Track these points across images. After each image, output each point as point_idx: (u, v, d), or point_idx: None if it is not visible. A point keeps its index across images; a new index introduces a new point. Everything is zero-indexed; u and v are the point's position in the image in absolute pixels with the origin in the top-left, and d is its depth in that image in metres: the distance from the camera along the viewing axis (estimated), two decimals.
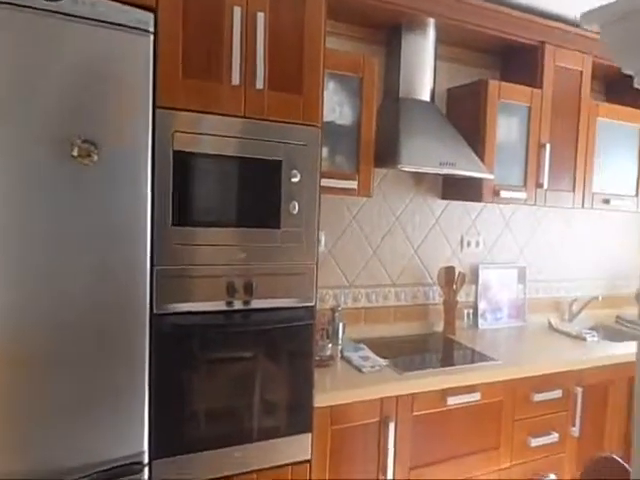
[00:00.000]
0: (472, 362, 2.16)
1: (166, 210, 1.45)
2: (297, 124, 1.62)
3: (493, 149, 2.35)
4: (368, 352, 2.15)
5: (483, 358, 2.20)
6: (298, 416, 1.70)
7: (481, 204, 2.75)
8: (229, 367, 1.59)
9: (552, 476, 2.31)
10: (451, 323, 2.57)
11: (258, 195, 1.60)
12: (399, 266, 2.58)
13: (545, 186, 2.49)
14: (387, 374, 1.96)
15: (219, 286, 1.54)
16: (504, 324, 2.82)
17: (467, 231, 2.75)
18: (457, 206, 2.70)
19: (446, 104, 2.55)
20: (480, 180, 2.32)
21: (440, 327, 2.61)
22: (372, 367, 1.99)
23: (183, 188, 1.47)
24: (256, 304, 1.59)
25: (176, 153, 1.45)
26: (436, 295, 2.66)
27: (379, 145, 2.06)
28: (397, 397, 1.90)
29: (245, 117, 1.55)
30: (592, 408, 2.40)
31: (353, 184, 2.02)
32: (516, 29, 2.39)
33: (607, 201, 2.76)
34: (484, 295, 2.77)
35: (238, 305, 1.57)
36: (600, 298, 3.05)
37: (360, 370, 1.97)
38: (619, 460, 1.25)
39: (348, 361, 2.06)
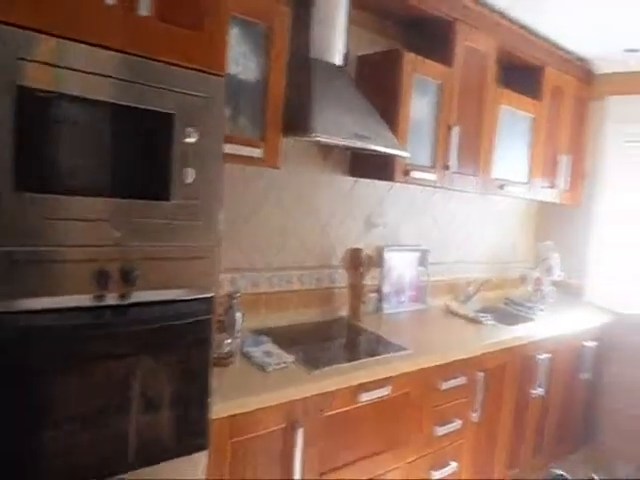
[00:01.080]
0: (384, 353, 1.95)
1: (3, 169, 1.01)
2: (195, 70, 1.24)
3: (407, 126, 2.16)
4: (271, 346, 1.85)
5: (395, 348, 2.01)
6: (191, 432, 1.34)
7: (389, 184, 2.57)
8: (98, 379, 1.19)
9: (453, 464, 2.23)
10: (357, 308, 2.36)
11: (140, 157, 1.21)
12: (303, 247, 2.30)
13: (452, 169, 2.38)
14: (294, 373, 1.68)
15: (85, 275, 1.12)
16: (406, 308, 2.69)
17: (374, 211, 2.56)
18: (365, 184, 2.49)
19: (356, 72, 2.30)
20: (392, 158, 2.12)
21: (345, 312, 2.39)
22: (277, 365, 1.69)
23: (32, 140, 1.04)
24: (137, 297, 1.20)
25: (22, 90, 1.02)
26: (341, 278, 2.44)
27: (287, 110, 1.75)
28: (306, 399, 1.63)
29: (124, 52, 1.13)
30: (490, 392, 2.35)
31: (258, 152, 1.69)
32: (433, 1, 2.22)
33: (502, 187, 2.75)
34: (388, 278, 2.62)
35: (112, 299, 1.17)
36: (494, 280, 3.07)
37: (264, 369, 1.67)
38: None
39: (249, 358, 1.74)
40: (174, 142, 1.22)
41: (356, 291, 2.36)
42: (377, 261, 2.54)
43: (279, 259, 2.22)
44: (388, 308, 2.60)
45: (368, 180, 2.46)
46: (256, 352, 1.78)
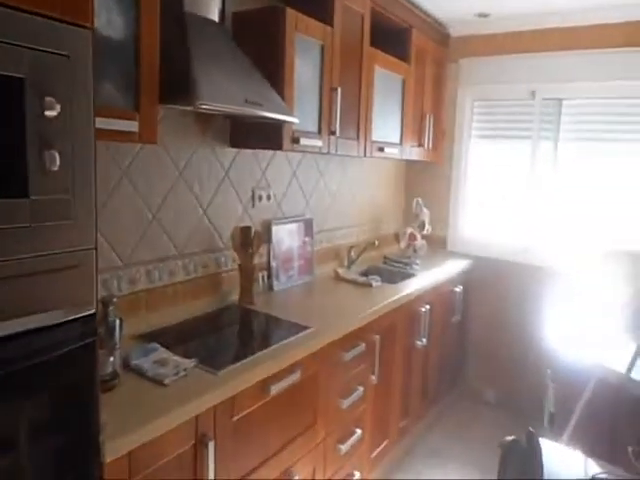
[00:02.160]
0: (289, 336, 1.81)
1: None
2: (53, 19, 0.91)
3: (293, 90, 1.96)
4: (163, 352, 1.58)
5: (298, 329, 1.88)
6: None
7: (270, 153, 2.38)
8: None
9: (358, 431, 2.23)
10: (248, 291, 2.17)
11: None
12: (186, 231, 2.02)
13: (337, 133, 2.27)
14: (197, 380, 1.45)
15: None
16: (296, 282, 2.56)
17: (258, 184, 2.36)
18: (247, 155, 2.26)
19: (232, 31, 2.02)
20: (279, 125, 1.92)
21: (236, 297, 2.20)
22: (175, 375, 1.44)
23: None
24: None
25: None
26: (229, 261, 2.22)
27: (164, 74, 1.43)
28: (214, 406, 1.42)
29: None
30: (384, 351, 2.38)
31: (132, 125, 1.37)
32: None
33: (382, 149, 2.73)
34: (277, 254, 2.47)
35: None
36: (377, 243, 3.10)
37: (161, 382, 1.40)
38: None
39: (140, 373, 1.45)
40: (28, 117, 0.89)
41: (247, 273, 2.17)
42: (265, 237, 2.37)
43: (159, 248, 1.92)
44: (278, 285, 2.44)
45: (249, 151, 2.24)
46: (146, 364, 1.49)
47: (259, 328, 2.05)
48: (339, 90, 2.20)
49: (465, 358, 3.61)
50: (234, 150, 2.17)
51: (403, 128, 2.94)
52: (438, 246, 3.63)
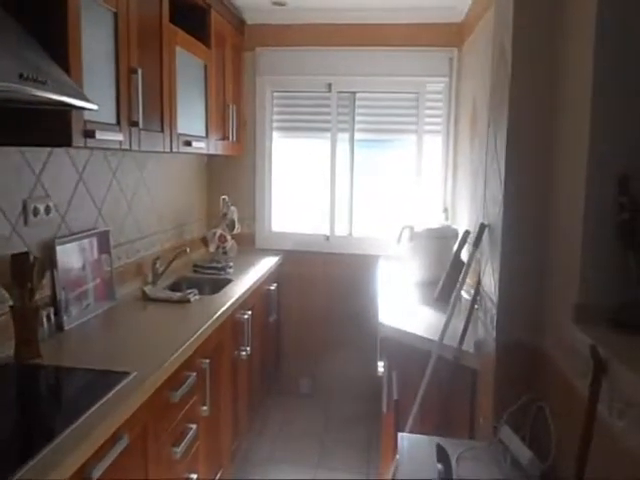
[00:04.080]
0: (104, 394, 1.33)
1: None
2: None
3: (80, 67, 1.45)
4: None
5: (113, 379, 1.41)
6: None
7: (45, 152, 1.78)
8: None
9: (193, 477, 1.88)
10: (29, 339, 1.55)
11: None
12: None
13: (140, 125, 1.81)
14: None
15: None
16: (94, 312, 2.00)
17: (32, 193, 1.73)
18: (10, 156, 1.63)
19: None
20: (68, 114, 1.41)
21: (10, 351, 1.56)
22: None
23: None
24: None
25: None
26: None
27: None
28: None
29: None
30: (213, 375, 2.05)
31: None
32: None
33: (189, 143, 2.35)
34: (64, 281, 1.87)
35: None
36: (188, 250, 2.70)
37: None
38: None
39: None
40: None
41: (24, 315, 1.54)
42: (47, 263, 1.77)
43: None
44: (70, 321, 1.85)
45: (12, 149, 1.63)
46: None
47: (54, 393, 1.50)
48: (140, 72, 1.75)
49: (281, 354, 3.52)
50: None
51: (208, 119, 2.60)
52: (247, 244, 3.41)
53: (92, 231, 2.07)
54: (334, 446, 2.91)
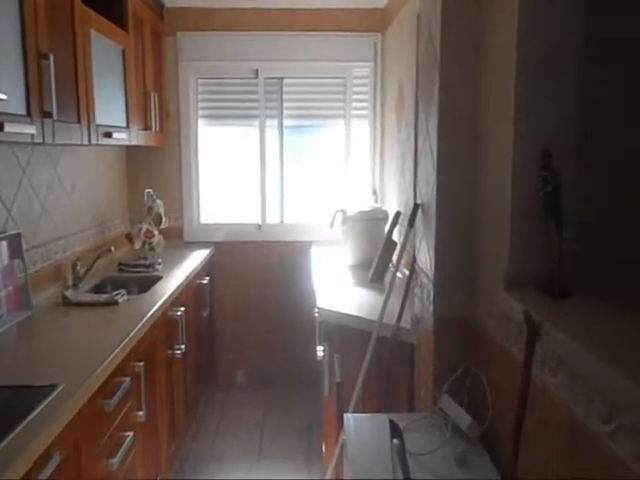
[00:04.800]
0: (31, 410, 1.23)
1: None
2: None
3: None
4: None
5: (40, 393, 1.31)
6: None
7: None
8: None
9: None
10: None
11: None
12: None
13: (54, 116, 1.69)
14: None
15: None
16: (8, 324, 1.83)
17: None
18: None
19: None
20: None
21: None
22: None
23: None
24: None
25: None
26: None
27: None
28: None
29: None
30: (148, 377, 1.97)
31: None
32: None
33: (109, 134, 2.22)
34: None
35: None
36: (113, 249, 2.56)
37: None
38: None
39: None
40: None
41: None
42: None
43: None
44: None
45: None
46: None
47: None
48: (51, 58, 1.63)
49: (216, 348, 3.46)
50: None
51: (129, 109, 2.47)
52: (176, 238, 3.31)
53: (1, 234, 1.90)
54: (274, 435, 2.93)
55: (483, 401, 1.37)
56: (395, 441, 1.22)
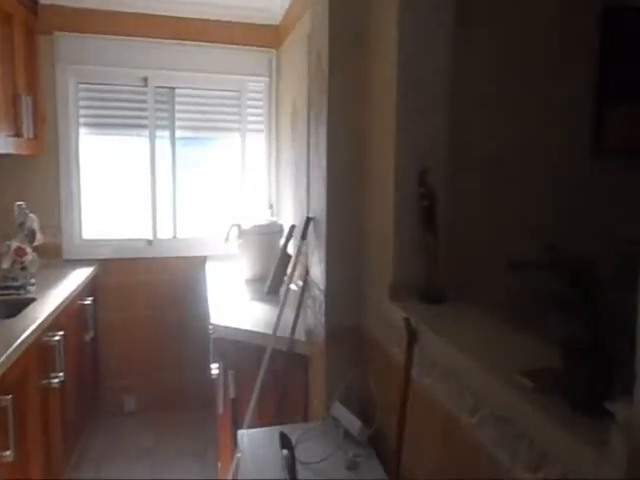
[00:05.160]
0: None
1: None
2: None
3: None
4: None
5: None
6: None
7: None
8: None
9: None
10: None
11: None
12: None
13: None
14: None
15: None
16: None
17: None
18: None
19: None
20: None
21: None
22: None
23: None
24: None
25: None
26: None
27: None
28: None
29: None
30: (18, 411, 1.77)
31: None
32: None
33: None
34: None
35: None
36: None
37: None
38: None
39: None
40: None
41: None
42: None
43: None
44: None
45: None
46: None
47: None
48: None
49: (102, 374, 3.23)
50: None
51: None
52: (53, 256, 3.04)
53: None
54: (167, 459, 2.79)
55: (372, 404, 1.43)
56: (284, 452, 1.24)
